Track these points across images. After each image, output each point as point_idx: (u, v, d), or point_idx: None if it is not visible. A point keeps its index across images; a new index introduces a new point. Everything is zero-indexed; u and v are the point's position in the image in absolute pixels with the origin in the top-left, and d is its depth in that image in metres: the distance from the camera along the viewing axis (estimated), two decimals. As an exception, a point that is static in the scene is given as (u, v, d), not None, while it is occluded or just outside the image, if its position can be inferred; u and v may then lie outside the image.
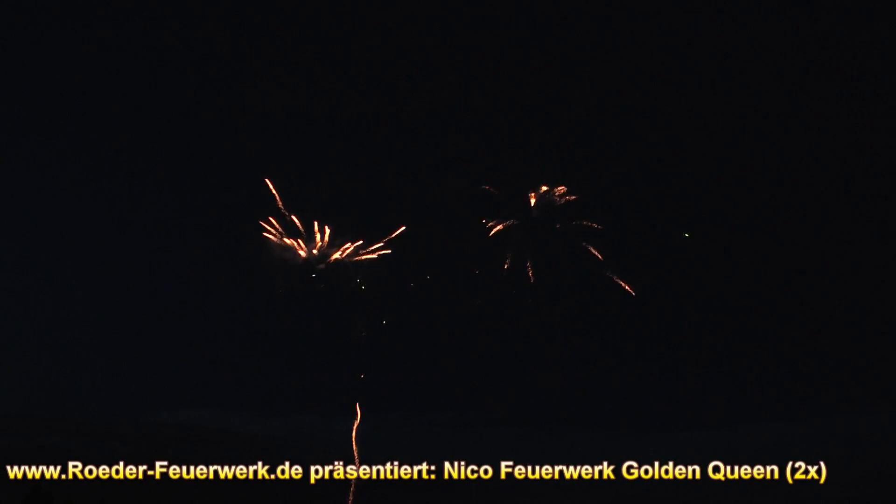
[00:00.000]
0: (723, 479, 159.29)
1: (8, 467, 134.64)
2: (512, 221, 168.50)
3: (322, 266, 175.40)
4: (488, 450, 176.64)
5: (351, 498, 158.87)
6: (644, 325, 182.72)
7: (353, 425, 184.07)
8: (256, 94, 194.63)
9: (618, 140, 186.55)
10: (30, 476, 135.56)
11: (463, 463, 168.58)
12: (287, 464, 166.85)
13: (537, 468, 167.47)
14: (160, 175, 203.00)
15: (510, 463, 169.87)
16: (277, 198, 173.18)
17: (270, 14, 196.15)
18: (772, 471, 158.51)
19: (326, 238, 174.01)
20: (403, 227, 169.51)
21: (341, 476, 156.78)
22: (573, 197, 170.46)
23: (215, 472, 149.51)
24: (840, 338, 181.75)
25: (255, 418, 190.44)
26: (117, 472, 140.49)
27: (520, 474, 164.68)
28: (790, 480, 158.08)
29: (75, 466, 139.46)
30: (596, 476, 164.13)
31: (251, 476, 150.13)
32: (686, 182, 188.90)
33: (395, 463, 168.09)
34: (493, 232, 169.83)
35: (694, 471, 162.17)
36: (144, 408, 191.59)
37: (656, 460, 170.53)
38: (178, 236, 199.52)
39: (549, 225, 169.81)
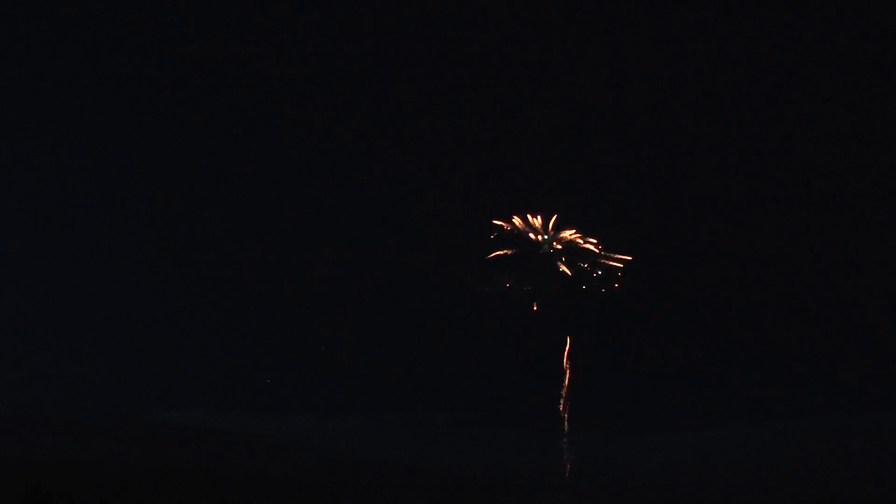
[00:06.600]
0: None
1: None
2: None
3: None
4: (488, 450, 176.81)
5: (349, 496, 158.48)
6: (644, 327, 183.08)
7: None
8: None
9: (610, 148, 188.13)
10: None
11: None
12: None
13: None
14: (161, 180, 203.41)
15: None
16: None
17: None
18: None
19: None
20: None
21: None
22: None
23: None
24: (839, 340, 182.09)
25: (252, 418, 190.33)
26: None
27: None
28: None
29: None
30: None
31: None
32: (684, 185, 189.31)
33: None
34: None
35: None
36: (143, 408, 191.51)
37: (656, 460, 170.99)
38: (178, 242, 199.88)
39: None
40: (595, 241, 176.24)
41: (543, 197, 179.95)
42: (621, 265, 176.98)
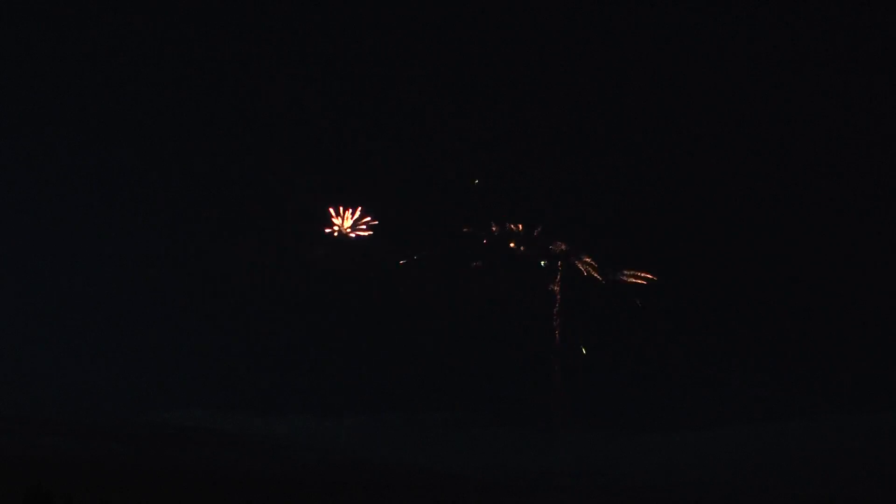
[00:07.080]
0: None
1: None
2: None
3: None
4: (488, 450, 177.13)
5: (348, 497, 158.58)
6: (643, 327, 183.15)
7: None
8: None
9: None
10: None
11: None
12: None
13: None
14: (161, 180, 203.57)
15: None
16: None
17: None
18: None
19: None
20: None
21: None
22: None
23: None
24: (839, 340, 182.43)
25: (252, 418, 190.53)
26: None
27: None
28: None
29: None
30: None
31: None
32: (681, 185, 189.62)
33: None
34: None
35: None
36: (143, 408, 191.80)
37: (656, 460, 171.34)
38: (177, 241, 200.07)
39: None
40: (591, 260, 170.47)
41: (535, 206, 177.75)
42: (644, 282, 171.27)
